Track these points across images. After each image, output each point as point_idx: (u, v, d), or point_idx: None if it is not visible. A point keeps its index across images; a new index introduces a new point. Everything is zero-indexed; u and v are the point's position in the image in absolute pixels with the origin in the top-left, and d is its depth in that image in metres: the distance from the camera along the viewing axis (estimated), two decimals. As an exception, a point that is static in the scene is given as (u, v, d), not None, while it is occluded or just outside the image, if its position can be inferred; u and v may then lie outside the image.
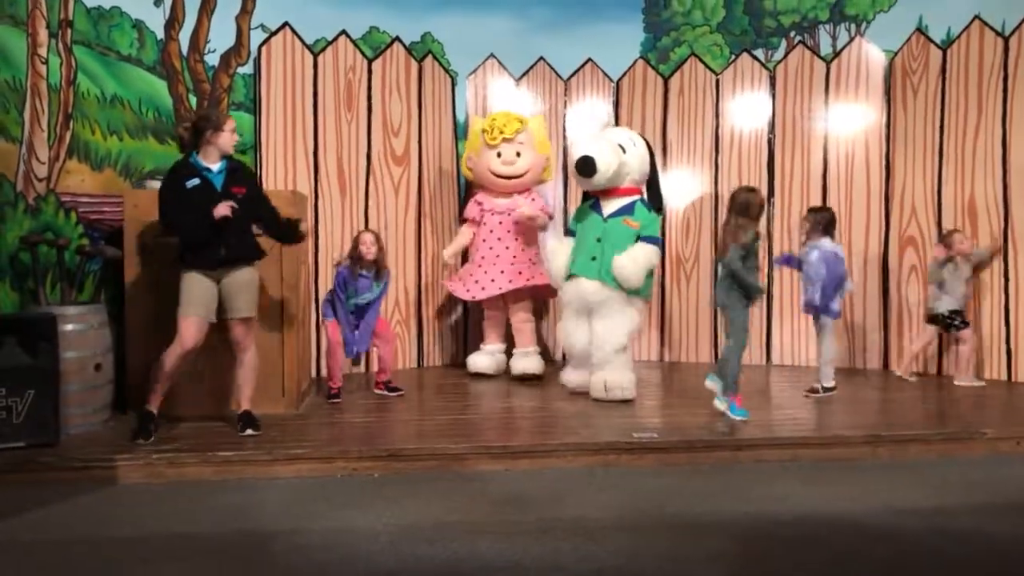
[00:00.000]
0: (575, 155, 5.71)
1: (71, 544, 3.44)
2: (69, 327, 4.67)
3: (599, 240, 5.64)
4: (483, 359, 6.65)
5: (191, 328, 4.58)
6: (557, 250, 5.96)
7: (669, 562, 3.22)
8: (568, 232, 6.08)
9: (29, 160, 5.11)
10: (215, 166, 4.65)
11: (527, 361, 6.55)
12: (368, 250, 5.63)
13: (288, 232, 4.88)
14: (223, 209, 4.46)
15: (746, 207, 5.17)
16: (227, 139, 4.66)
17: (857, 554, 3.32)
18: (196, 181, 4.59)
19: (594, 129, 7.68)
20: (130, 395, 5.15)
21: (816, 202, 7.22)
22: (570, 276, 5.74)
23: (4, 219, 4.82)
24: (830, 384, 5.82)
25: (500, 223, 6.60)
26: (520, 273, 6.53)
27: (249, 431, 4.69)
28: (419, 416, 5.32)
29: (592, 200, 5.85)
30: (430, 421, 5.16)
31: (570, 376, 5.95)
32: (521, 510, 3.83)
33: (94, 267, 5.39)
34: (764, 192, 7.42)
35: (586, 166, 5.58)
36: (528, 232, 6.66)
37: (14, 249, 4.87)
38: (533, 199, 6.70)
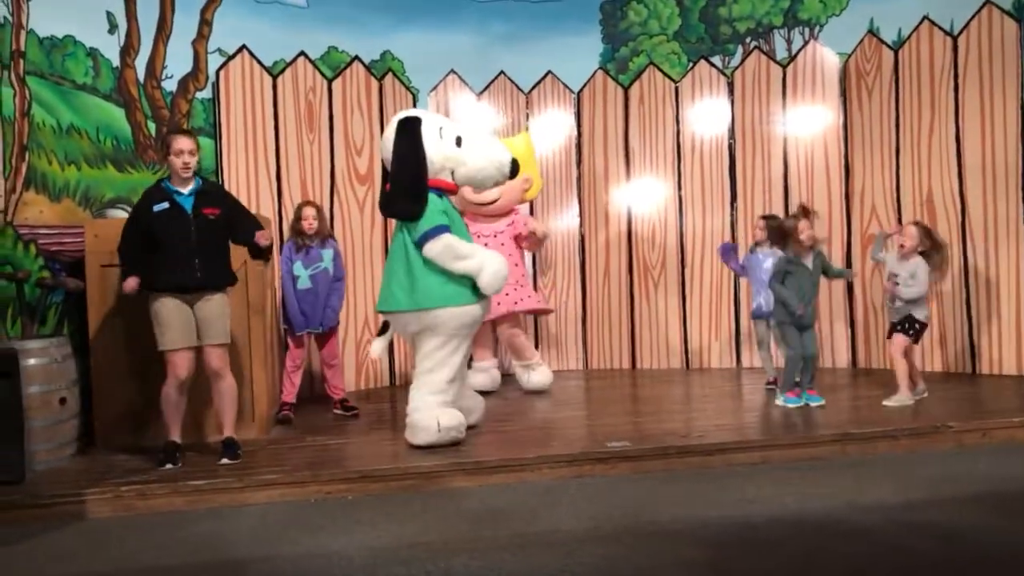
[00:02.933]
0: (498, 155, 4.95)
1: (39, 583, 3.38)
2: (32, 361, 4.60)
3: None
4: (478, 376, 6.52)
5: (182, 359, 4.56)
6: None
7: (644, 571, 3.23)
8: (445, 229, 4.81)
9: (-15, 194, 5.04)
10: (186, 189, 4.61)
11: (538, 375, 6.52)
12: (310, 225, 5.72)
13: (262, 250, 4.77)
14: (131, 284, 4.51)
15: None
16: (173, 162, 4.57)
17: (828, 553, 3.35)
18: (164, 205, 4.55)
19: (557, 139, 7.77)
20: (98, 428, 5.09)
21: (778, 205, 7.33)
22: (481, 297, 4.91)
23: (-39, 255, 4.76)
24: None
25: (486, 246, 6.38)
26: (507, 295, 6.28)
27: (225, 460, 4.65)
28: (392, 436, 5.30)
29: (444, 196, 4.96)
30: (403, 440, 5.13)
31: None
32: (496, 526, 3.82)
33: (56, 299, 5.31)
34: (728, 198, 7.55)
35: (517, 169, 5.04)
36: (512, 255, 6.40)
37: (-28, 284, 4.80)
38: (512, 223, 6.56)
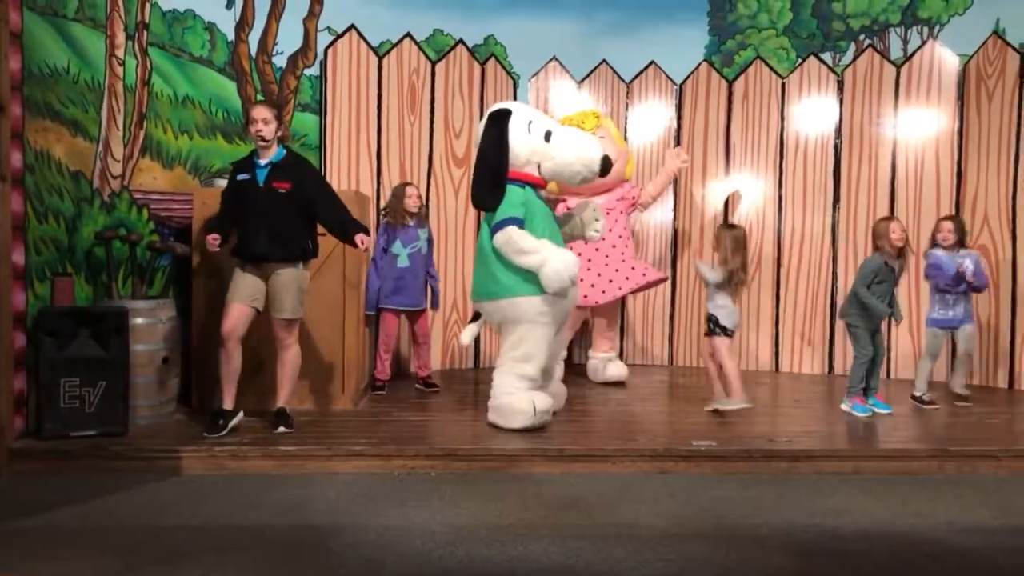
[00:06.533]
0: (587, 152, 4.98)
1: (136, 531, 3.54)
2: (139, 321, 4.81)
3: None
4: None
5: (230, 312, 4.62)
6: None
7: (725, 573, 3.18)
8: (514, 221, 4.81)
9: (105, 158, 5.28)
10: (264, 160, 4.69)
11: (616, 367, 6.59)
12: (414, 203, 5.91)
13: (346, 233, 4.73)
14: (209, 241, 4.68)
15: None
16: (249, 131, 4.71)
17: (922, 572, 3.23)
18: (245, 176, 4.71)
19: (656, 130, 7.68)
20: (195, 389, 5.29)
21: (883, 209, 7.07)
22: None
23: (81, 215, 4.99)
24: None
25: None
26: (610, 282, 6.30)
27: (281, 428, 4.74)
28: (474, 416, 5.34)
29: (529, 188, 4.97)
30: (485, 421, 5.16)
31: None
32: (576, 514, 3.81)
33: (163, 263, 5.54)
34: (831, 199, 7.32)
35: (608, 167, 5.07)
36: (622, 229, 6.52)
37: (89, 244, 5.03)
38: (622, 197, 6.57)
